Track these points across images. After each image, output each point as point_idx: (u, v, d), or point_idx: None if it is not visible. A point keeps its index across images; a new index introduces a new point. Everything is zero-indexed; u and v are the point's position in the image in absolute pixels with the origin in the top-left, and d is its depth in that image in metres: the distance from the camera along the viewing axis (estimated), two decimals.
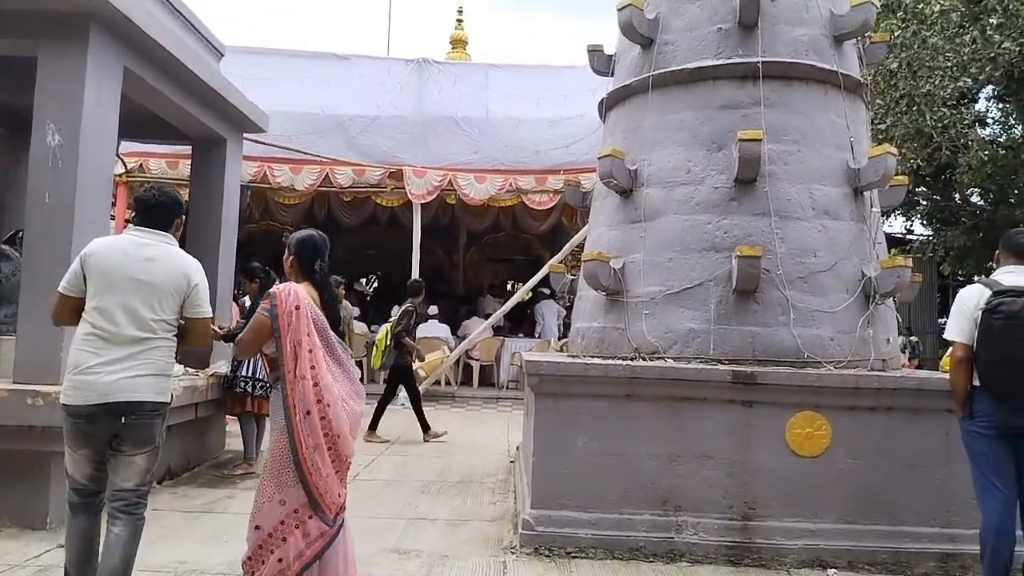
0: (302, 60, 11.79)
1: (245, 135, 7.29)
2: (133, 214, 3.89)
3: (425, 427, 7.82)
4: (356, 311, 12.35)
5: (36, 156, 4.54)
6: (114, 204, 9.63)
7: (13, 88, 5.49)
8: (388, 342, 7.91)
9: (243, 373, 5.90)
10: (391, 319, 8.25)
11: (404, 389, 8.16)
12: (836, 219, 4.77)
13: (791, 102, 4.87)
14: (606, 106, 5.77)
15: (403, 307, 8.21)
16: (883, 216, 6.39)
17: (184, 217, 3.36)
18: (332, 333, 3.05)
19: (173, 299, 3.06)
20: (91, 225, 4.67)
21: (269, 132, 7.60)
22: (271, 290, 3.04)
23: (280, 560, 2.80)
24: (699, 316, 4.62)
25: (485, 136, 11.33)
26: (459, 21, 17.88)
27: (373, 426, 7.76)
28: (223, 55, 6.93)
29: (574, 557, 4.00)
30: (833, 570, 3.94)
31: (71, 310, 3.02)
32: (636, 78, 5.24)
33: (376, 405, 7.81)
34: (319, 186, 11.45)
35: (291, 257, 3.15)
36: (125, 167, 10.24)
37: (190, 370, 5.61)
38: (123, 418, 2.93)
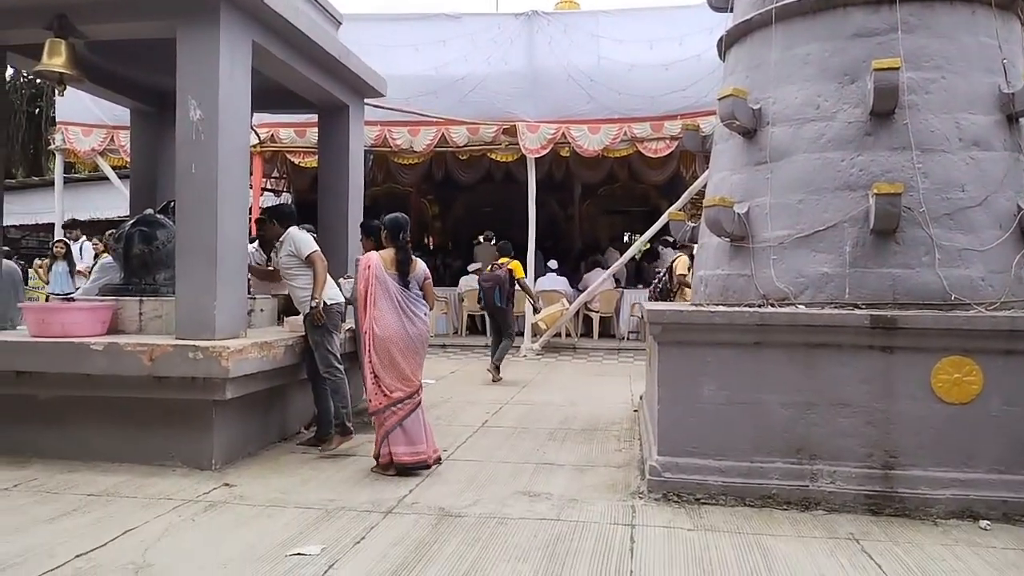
0: (414, 23, 11.93)
1: (366, 100, 7.53)
2: (290, 219, 5.49)
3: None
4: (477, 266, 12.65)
5: (181, 131, 4.89)
6: (251, 174, 10.24)
7: (158, 69, 5.92)
8: None
9: None
10: None
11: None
12: (987, 150, 4.38)
13: (933, 25, 4.47)
14: (725, 44, 5.51)
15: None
16: None
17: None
18: (393, 284, 4.66)
19: None
20: (233, 193, 5.03)
21: (386, 96, 7.81)
22: (359, 257, 4.91)
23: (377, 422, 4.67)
24: (833, 259, 4.41)
25: (598, 85, 11.08)
26: None
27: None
28: (341, 23, 7.14)
29: (703, 503, 4.00)
30: (986, 521, 3.72)
31: None
32: (758, 12, 4.97)
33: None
34: (436, 146, 11.67)
35: (385, 232, 4.85)
36: (259, 138, 10.83)
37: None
38: None
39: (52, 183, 13.93)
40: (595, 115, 11.15)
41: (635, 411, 6.62)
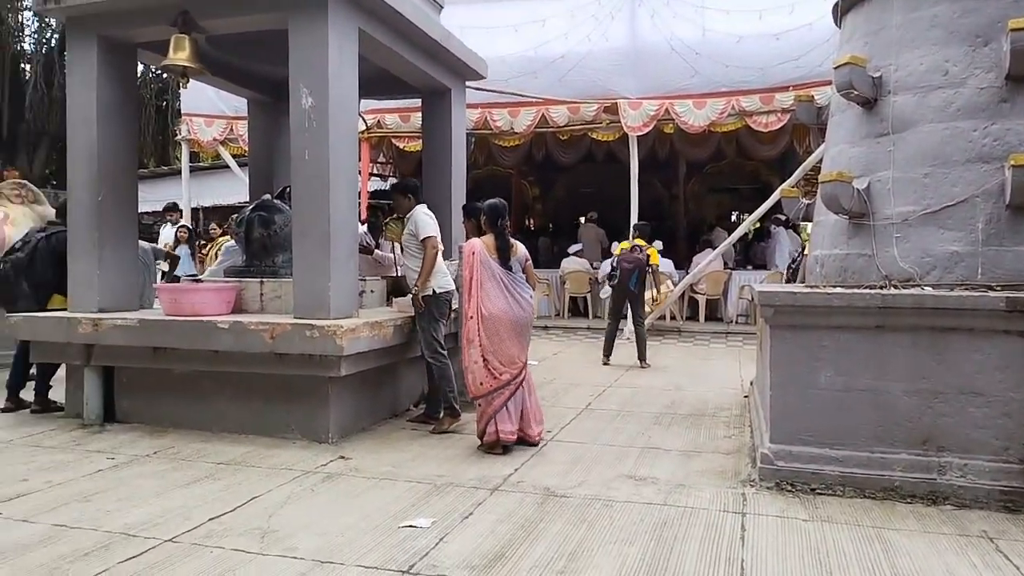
0: (513, 3, 11.88)
1: (467, 83, 7.60)
2: (413, 195, 5.53)
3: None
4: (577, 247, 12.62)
5: (295, 118, 5.10)
6: (359, 159, 10.55)
7: (272, 61, 6.18)
8: None
9: None
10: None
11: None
12: None
13: None
14: (841, 10, 5.23)
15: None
16: None
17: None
18: (498, 267, 4.77)
19: None
20: (343, 178, 5.20)
21: (487, 78, 7.84)
22: (463, 244, 5.14)
23: (478, 405, 4.76)
24: (963, 237, 4.12)
25: (703, 58, 10.71)
26: None
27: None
28: (442, 7, 7.21)
29: (819, 494, 3.84)
30: None
31: None
32: None
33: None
34: (536, 127, 11.64)
35: (484, 218, 4.95)
36: (366, 124, 11.16)
37: None
38: None
39: (179, 172, 14.89)
40: (700, 89, 10.80)
41: (745, 397, 6.44)
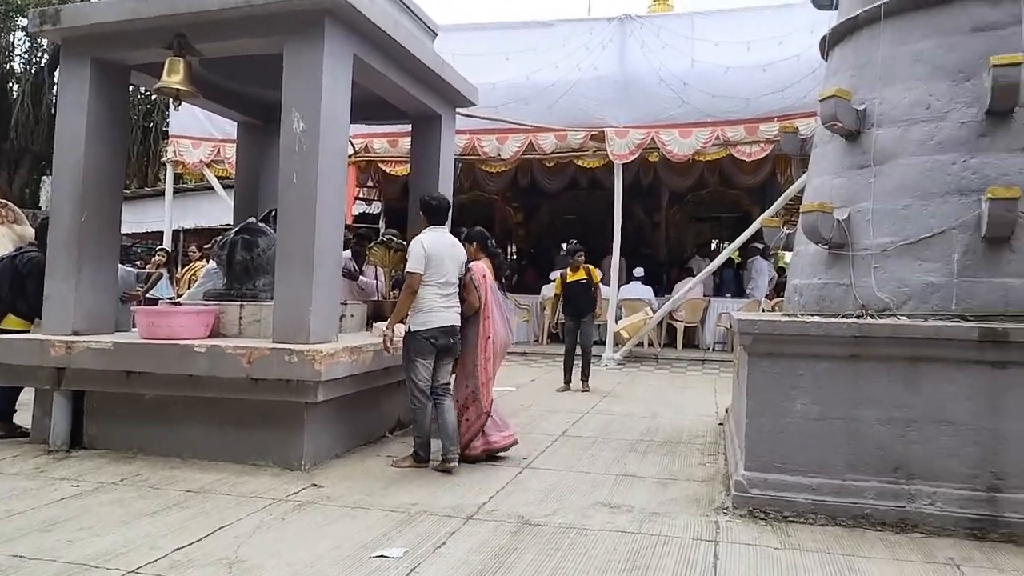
0: (506, 31, 12.02)
1: (457, 110, 7.64)
2: (424, 215, 5.20)
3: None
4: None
5: (285, 142, 5.08)
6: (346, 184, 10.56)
7: (265, 84, 6.20)
8: None
9: None
10: None
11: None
12: None
13: None
14: (829, 43, 5.33)
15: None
16: None
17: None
18: (500, 293, 5.21)
19: (461, 269, 5.05)
20: (331, 202, 5.18)
21: (477, 105, 7.89)
22: (471, 265, 5.15)
23: (467, 420, 5.07)
24: (939, 268, 4.16)
25: (690, 88, 10.84)
26: None
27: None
28: (437, 34, 7.26)
29: (791, 521, 3.83)
30: None
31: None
32: (865, 8, 4.78)
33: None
34: (523, 153, 11.72)
35: (476, 244, 5.29)
36: (354, 148, 11.19)
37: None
38: (451, 338, 4.94)
39: (162, 193, 14.83)
40: (687, 119, 10.93)
41: (720, 424, 6.43)
